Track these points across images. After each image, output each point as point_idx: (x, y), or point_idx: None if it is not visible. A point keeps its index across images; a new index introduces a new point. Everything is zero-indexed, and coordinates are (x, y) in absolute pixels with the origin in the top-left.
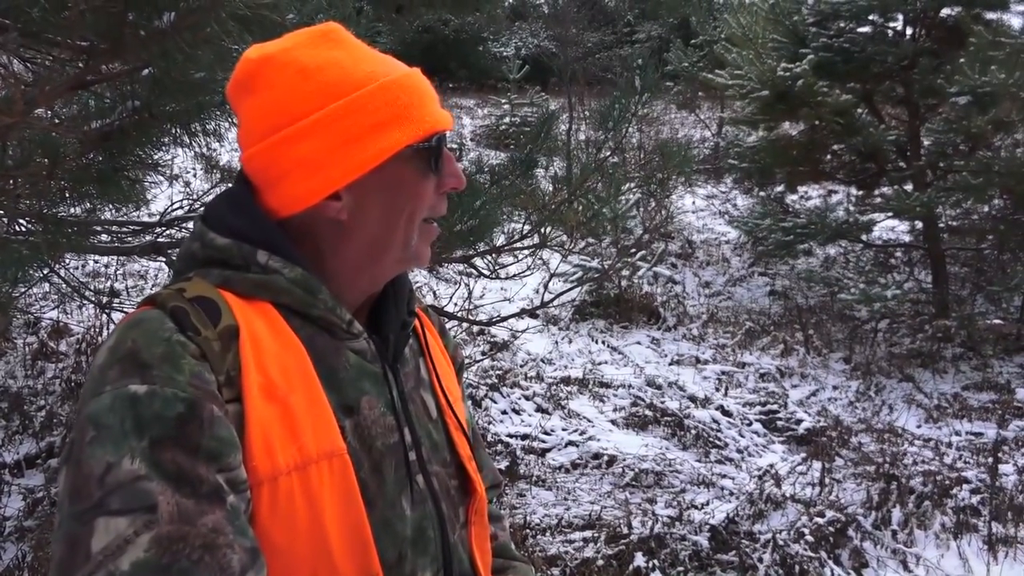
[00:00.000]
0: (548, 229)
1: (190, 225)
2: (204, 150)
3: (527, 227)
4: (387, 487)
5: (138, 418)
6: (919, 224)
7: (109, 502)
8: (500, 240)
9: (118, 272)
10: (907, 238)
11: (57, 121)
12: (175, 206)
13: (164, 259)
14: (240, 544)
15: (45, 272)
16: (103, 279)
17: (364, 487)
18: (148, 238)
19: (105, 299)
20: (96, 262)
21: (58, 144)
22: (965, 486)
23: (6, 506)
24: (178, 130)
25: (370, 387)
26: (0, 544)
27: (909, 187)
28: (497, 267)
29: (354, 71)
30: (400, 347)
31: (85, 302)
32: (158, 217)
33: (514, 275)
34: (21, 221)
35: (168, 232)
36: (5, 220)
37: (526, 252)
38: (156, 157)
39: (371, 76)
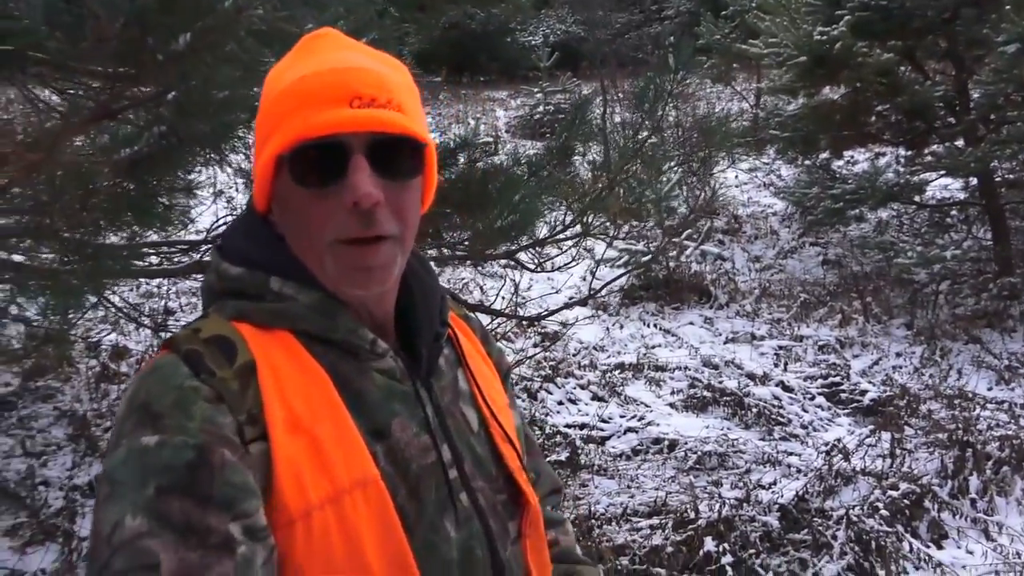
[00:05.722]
0: (590, 217)
1: None
2: (243, 164)
3: (569, 217)
4: (427, 510)
5: (146, 470)
6: (974, 180)
7: (113, 563)
8: (543, 232)
9: (170, 292)
10: (962, 195)
11: (82, 154)
12: (220, 222)
13: None
14: None
15: (94, 301)
16: (157, 299)
17: (402, 513)
18: (197, 256)
19: (160, 318)
20: (148, 284)
21: (89, 175)
22: None
23: (81, 527)
24: (208, 151)
25: (400, 408)
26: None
27: (960, 143)
28: (542, 260)
29: (278, 81)
30: (433, 361)
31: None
32: (204, 235)
33: (559, 267)
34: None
35: None
36: (52, 255)
37: (570, 243)
38: (189, 179)
39: (281, 84)
